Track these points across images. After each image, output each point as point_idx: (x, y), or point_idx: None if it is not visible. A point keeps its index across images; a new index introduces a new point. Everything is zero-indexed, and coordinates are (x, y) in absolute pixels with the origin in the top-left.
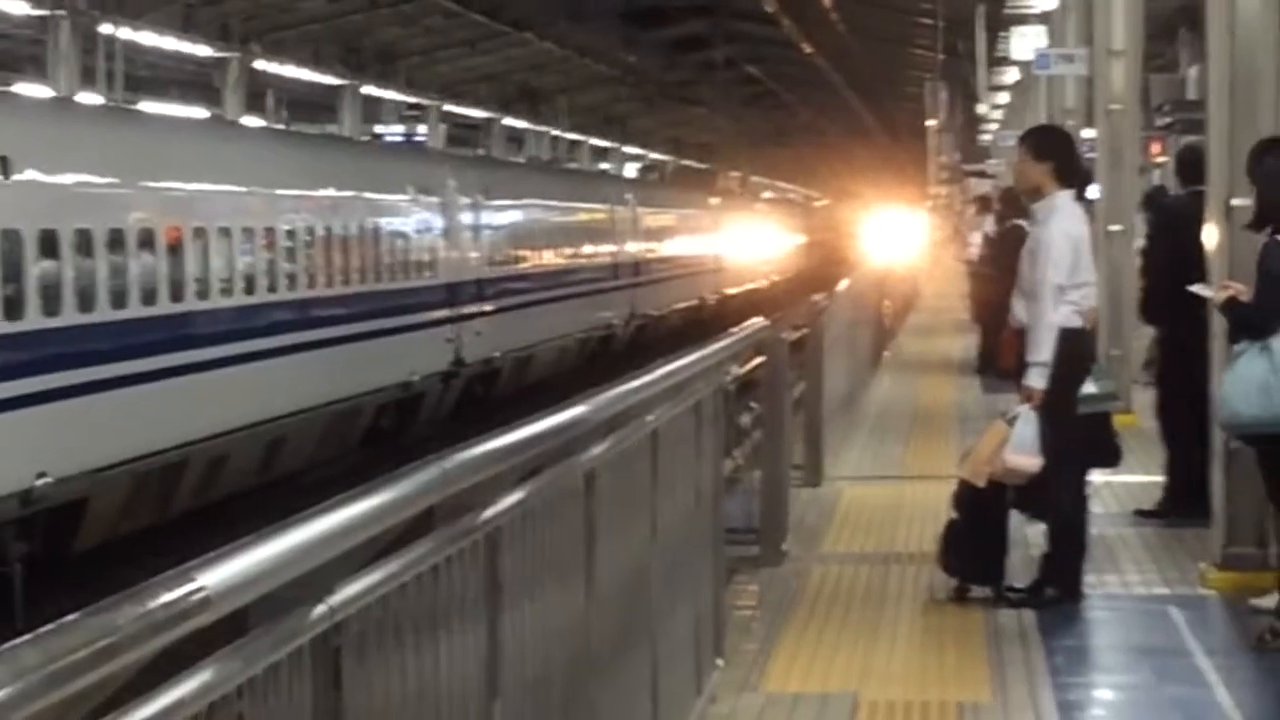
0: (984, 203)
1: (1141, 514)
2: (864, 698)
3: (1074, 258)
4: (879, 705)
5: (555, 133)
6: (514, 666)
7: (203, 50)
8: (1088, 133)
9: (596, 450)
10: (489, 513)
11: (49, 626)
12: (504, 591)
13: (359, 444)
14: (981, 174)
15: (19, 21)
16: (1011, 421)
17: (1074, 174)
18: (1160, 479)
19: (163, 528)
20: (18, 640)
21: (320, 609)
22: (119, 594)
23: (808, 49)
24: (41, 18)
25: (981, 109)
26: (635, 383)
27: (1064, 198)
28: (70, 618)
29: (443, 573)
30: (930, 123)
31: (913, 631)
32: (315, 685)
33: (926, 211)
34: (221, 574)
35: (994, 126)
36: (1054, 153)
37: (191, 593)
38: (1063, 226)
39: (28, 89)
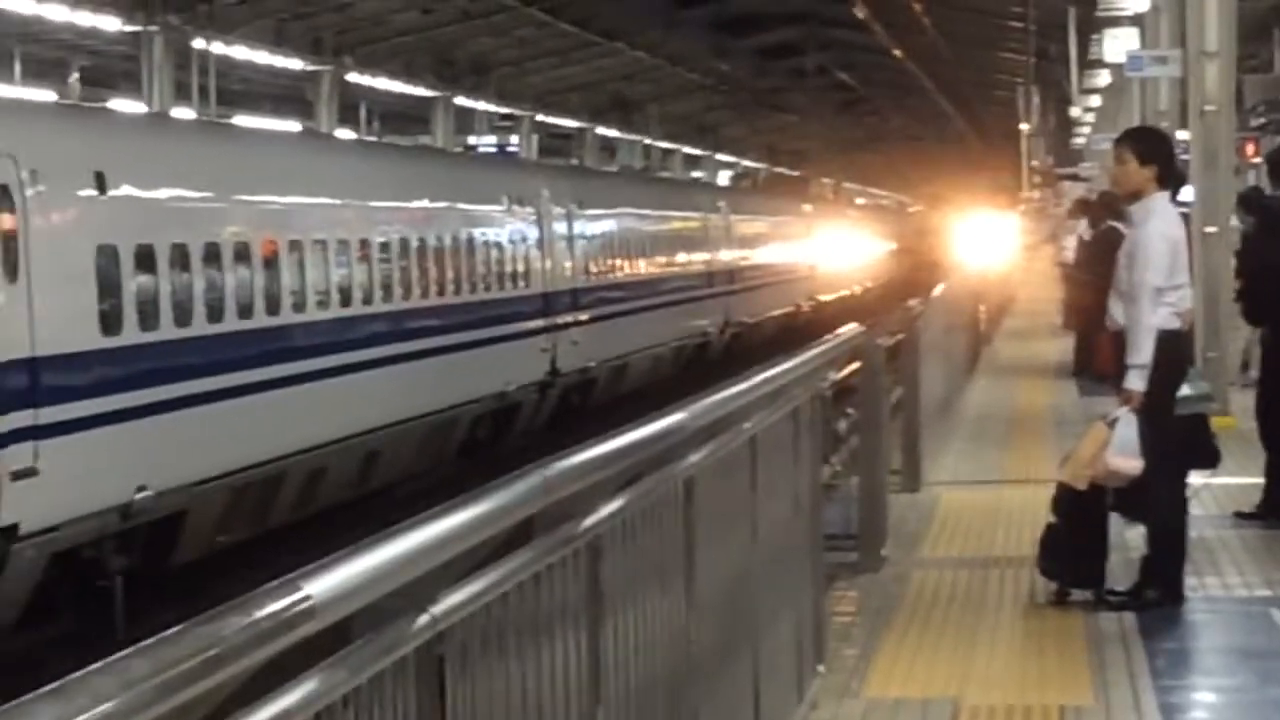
0: (1083, 206)
1: (1241, 516)
2: (965, 702)
3: (1171, 259)
4: (980, 710)
5: (647, 141)
6: (616, 674)
7: (295, 64)
8: (1181, 134)
9: (695, 457)
10: (589, 521)
11: (156, 637)
12: (605, 599)
13: (455, 455)
14: (1074, 177)
15: (113, 38)
16: (1112, 424)
17: (1172, 176)
18: (1260, 481)
19: (260, 541)
20: (126, 651)
21: (423, 618)
22: (225, 604)
23: (899, 54)
24: (135, 33)
25: (1074, 112)
26: (734, 389)
27: (1160, 200)
28: (177, 628)
29: (544, 581)
30: (1023, 127)
31: (1013, 636)
32: (419, 694)
33: (1019, 216)
34: (327, 583)
35: (1086, 130)
36: (1156, 155)
37: (297, 602)
38: (1160, 228)
39: (122, 105)
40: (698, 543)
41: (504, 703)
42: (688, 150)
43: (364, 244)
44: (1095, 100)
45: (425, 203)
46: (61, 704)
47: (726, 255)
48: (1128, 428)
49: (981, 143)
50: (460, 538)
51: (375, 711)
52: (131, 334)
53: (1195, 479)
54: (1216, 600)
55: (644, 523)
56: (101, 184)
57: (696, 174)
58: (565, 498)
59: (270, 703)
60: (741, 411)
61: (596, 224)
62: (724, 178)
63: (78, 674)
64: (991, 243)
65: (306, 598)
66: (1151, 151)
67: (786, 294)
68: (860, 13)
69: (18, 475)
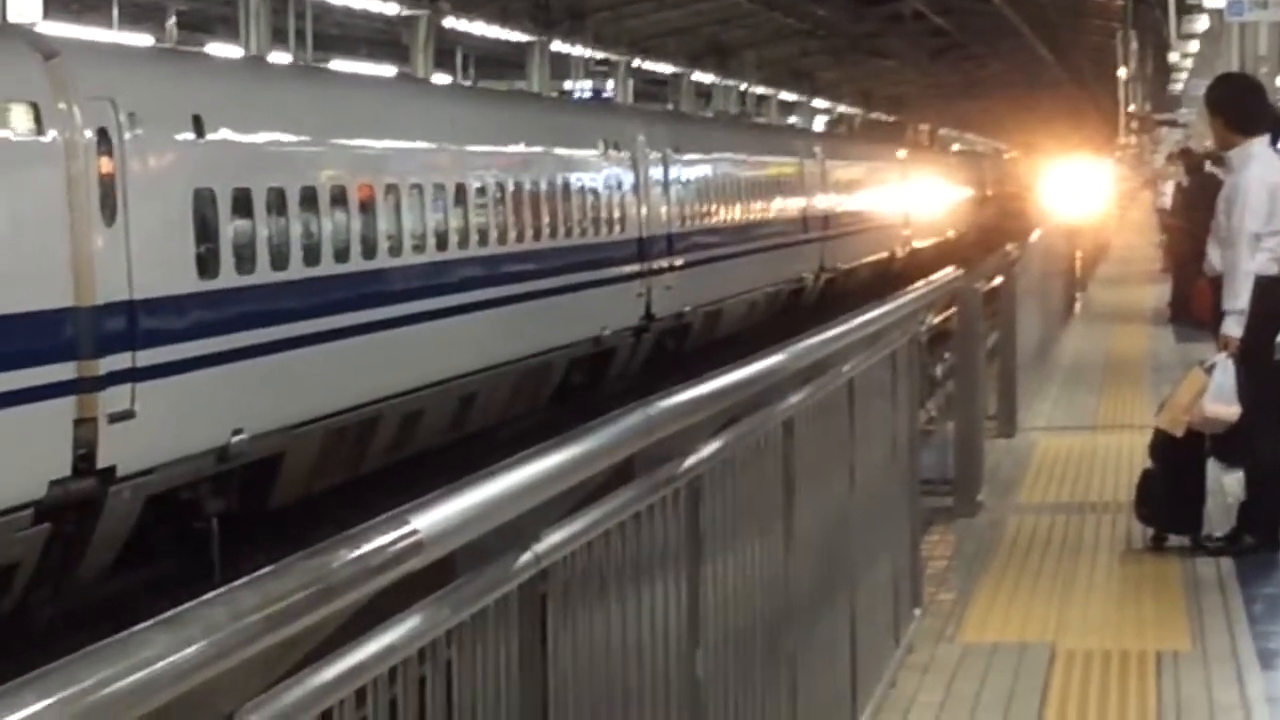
0: (1183, 154)
1: None
2: (1061, 647)
3: (1271, 205)
4: (1076, 654)
5: (743, 87)
6: (715, 616)
7: (392, 8)
8: None
9: (794, 399)
10: (689, 461)
11: (267, 569)
12: (705, 540)
13: (550, 400)
14: (1172, 123)
15: None
16: (1209, 370)
17: (1261, 121)
18: None
19: (355, 485)
20: (236, 583)
21: (526, 556)
22: (334, 538)
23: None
24: None
25: (1172, 58)
26: (832, 332)
27: (1260, 145)
28: (287, 560)
29: (644, 521)
30: (1120, 72)
31: (1109, 581)
32: (522, 632)
33: (1116, 162)
34: (433, 517)
35: (1184, 75)
36: (1222, 106)
37: (404, 536)
38: (1259, 174)
39: (219, 50)
40: (796, 485)
41: (604, 642)
42: (784, 96)
43: (460, 189)
44: (1194, 45)
45: (521, 147)
46: (173, 633)
47: (821, 201)
48: (1225, 374)
49: (1078, 88)
50: (563, 475)
51: (479, 648)
52: (228, 277)
53: None
54: None
55: (743, 465)
56: (199, 128)
57: (792, 119)
58: (666, 438)
59: (375, 638)
60: (840, 354)
61: (692, 169)
62: (819, 123)
63: (189, 604)
64: (1088, 189)
65: (414, 532)
66: (1218, 101)
67: (881, 240)
68: None
69: (115, 418)
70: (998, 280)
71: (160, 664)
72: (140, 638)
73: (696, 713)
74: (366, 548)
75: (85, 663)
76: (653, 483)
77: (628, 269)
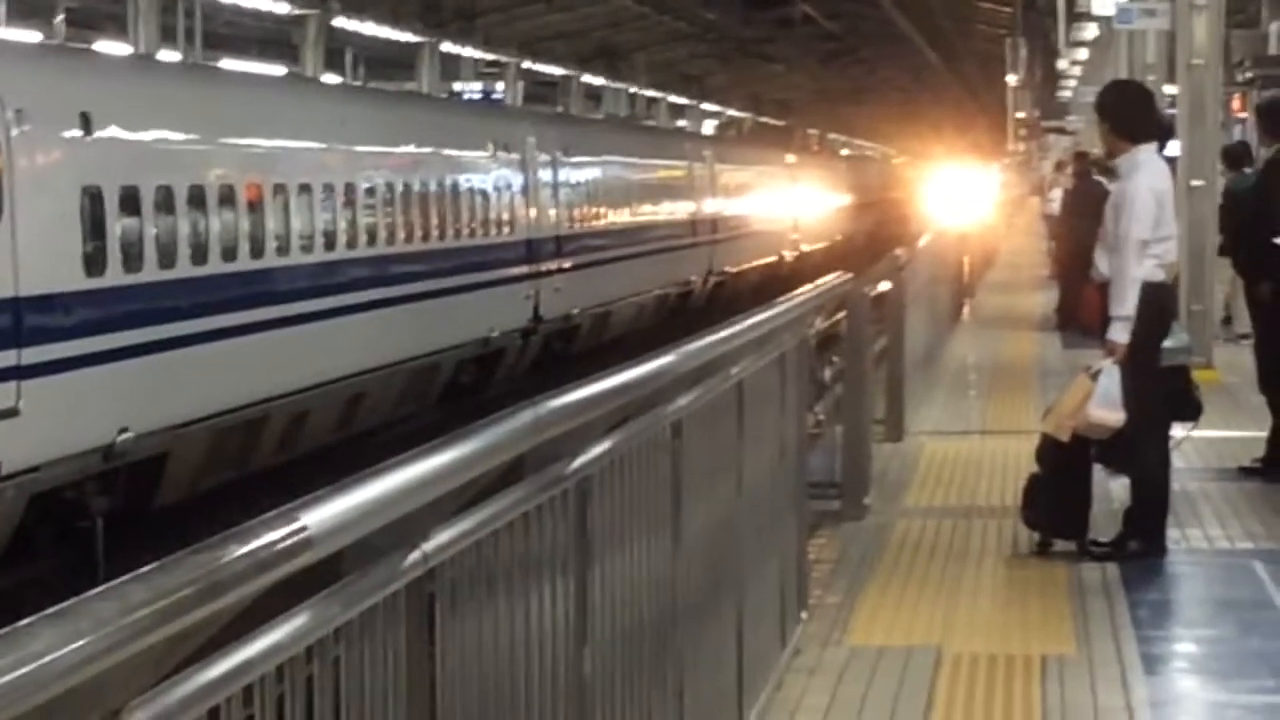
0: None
1: (1245, 470)
2: (948, 651)
3: (1158, 212)
4: (963, 658)
5: (633, 90)
6: (603, 616)
7: (282, 7)
8: (1169, 88)
9: (683, 401)
10: (578, 462)
11: (155, 564)
12: (593, 541)
13: (438, 400)
14: (1060, 130)
15: None
16: (1095, 376)
17: (1149, 128)
18: (1248, 434)
19: (242, 484)
20: (126, 577)
21: (414, 555)
22: (223, 533)
23: (885, 3)
24: None
25: (1061, 65)
26: (722, 333)
27: (1147, 152)
28: (176, 556)
29: (533, 521)
30: (1010, 79)
31: (996, 585)
32: (410, 631)
33: (1004, 168)
34: (323, 514)
35: (1073, 83)
36: (1112, 112)
37: (295, 532)
38: (1146, 181)
39: (108, 47)
40: (684, 487)
41: (493, 641)
42: (673, 99)
43: (348, 188)
44: (1083, 53)
45: (410, 148)
46: (62, 626)
47: (711, 204)
48: (1110, 379)
49: (967, 95)
50: (453, 473)
51: (366, 647)
52: (115, 275)
53: (1178, 431)
54: (1199, 552)
55: (632, 466)
56: (87, 125)
57: (681, 123)
58: (555, 438)
59: (262, 636)
60: (729, 356)
61: (581, 171)
62: (709, 127)
63: (77, 598)
64: (977, 195)
65: (303, 528)
66: (1107, 107)
67: (769, 244)
68: None
69: None
70: (886, 285)
71: (48, 658)
72: (28, 631)
73: (583, 712)
74: (255, 543)
75: None
76: (542, 482)
77: (516, 270)
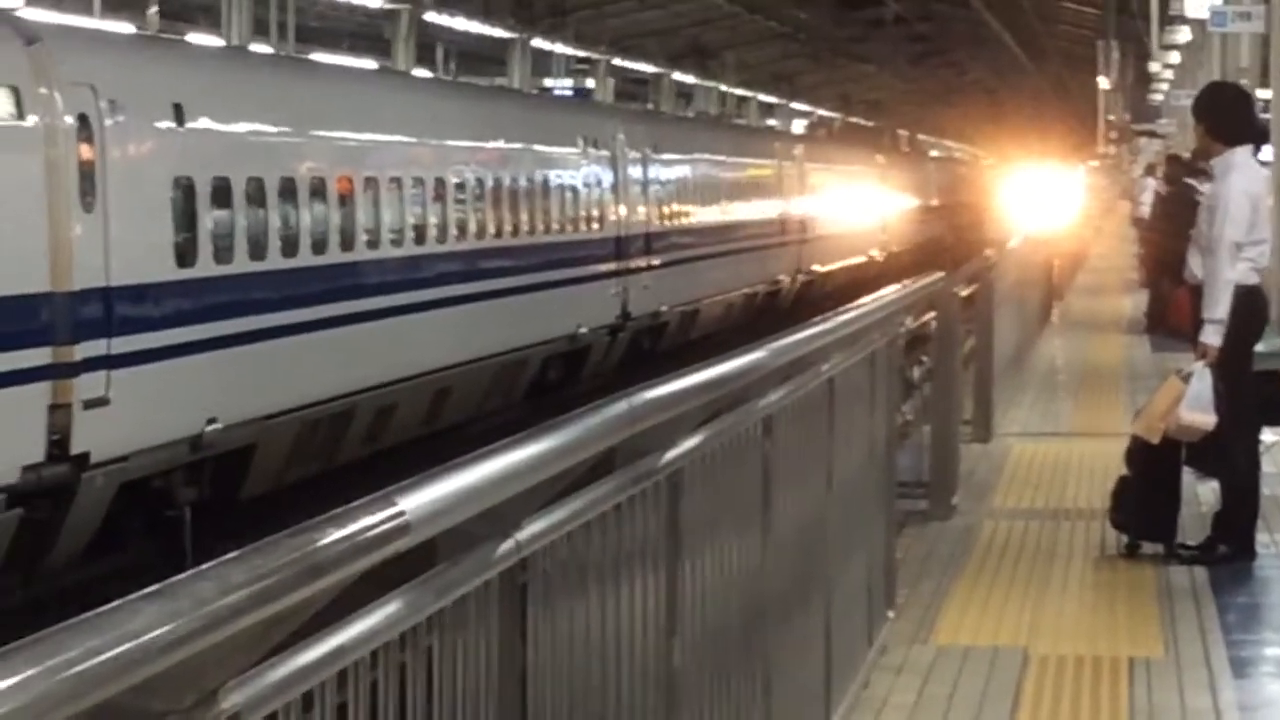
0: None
1: None
2: (1034, 652)
3: (1252, 215)
4: (1049, 659)
5: (723, 88)
6: (692, 608)
7: (374, 2)
8: (1263, 93)
9: (774, 397)
10: (670, 455)
11: (255, 545)
12: (683, 534)
13: (524, 396)
14: (1151, 134)
15: None
16: (1186, 378)
17: (1246, 130)
18: None
19: (328, 476)
20: (226, 557)
21: (508, 544)
22: (321, 517)
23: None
24: None
25: (1153, 67)
26: (813, 330)
27: (1243, 154)
28: (275, 537)
29: (624, 514)
30: (1101, 81)
31: (1083, 587)
32: (502, 621)
33: (1094, 171)
34: (420, 499)
35: (1165, 85)
36: (1209, 113)
37: (392, 516)
38: (1241, 183)
39: (200, 39)
40: (774, 482)
41: (584, 632)
42: (763, 98)
43: (439, 183)
44: (1175, 57)
45: (500, 143)
46: (163, 604)
47: (800, 203)
48: (1202, 383)
49: (1058, 97)
50: (547, 463)
51: (459, 635)
52: (206, 266)
53: (1269, 435)
54: None
55: (723, 460)
56: (179, 116)
57: (771, 122)
58: (647, 431)
59: (357, 621)
60: (820, 353)
61: (671, 169)
62: (798, 126)
63: (178, 577)
64: (1066, 197)
65: (400, 513)
66: (1203, 108)
67: (858, 244)
68: None
69: (90, 404)
70: (976, 285)
71: (148, 636)
72: (130, 609)
73: (672, 705)
74: (353, 527)
75: (74, 632)
76: (633, 475)
77: (605, 267)
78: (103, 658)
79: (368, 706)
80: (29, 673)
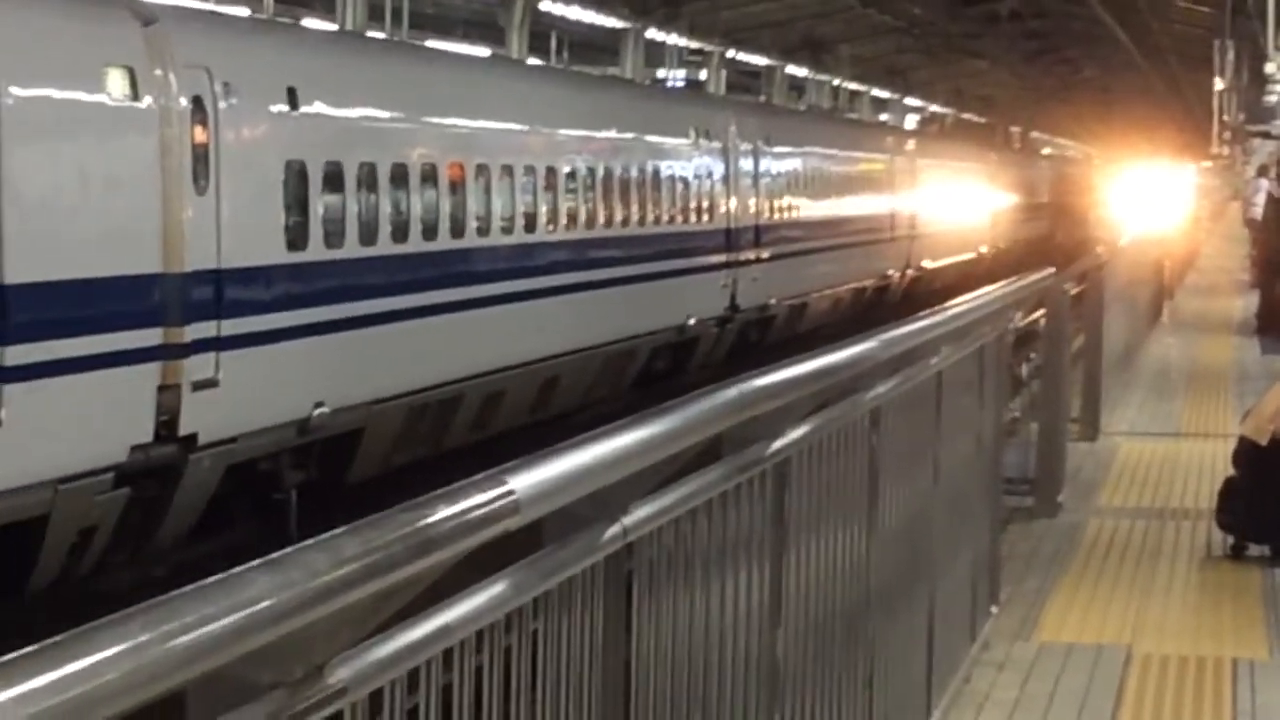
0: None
1: None
2: (1138, 651)
3: None
4: (1153, 659)
5: (836, 82)
6: (797, 599)
7: None
8: None
9: (882, 389)
10: (777, 444)
11: (367, 519)
12: (789, 524)
13: (632, 386)
14: (1266, 135)
15: None
16: None
17: None
18: None
19: (434, 463)
20: (338, 530)
21: (614, 528)
22: (432, 493)
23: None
24: None
25: (1269, 68)
26: (922, 322)
27: None
28: (387, 512)
29: (730, 502)
30: (1216, 81)
31: (1188, 587)
32: (607, 606)
33: (1206, 171)
34: (529, 479)
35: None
36: None
37: (502, 495)
38: None
39: (314, 24)
40: (881, 474)
41: (687, 620)
42: (876, 93)
43: (550, 172)
44: None
45: (612, 133)
46: (277, 574)
47: (910, 199)
48: None
49: (1172, 95)
50: (655, 447)
51: (564, 620)
52: (316, 251)
53: None
54: None
55: (829, 451)
56: (293, 100)
57: (884, 117)
58: (755, 418)
59: (464, 600)
60: (929, 346)
61: (782, 162)
62: (911, 121)
63: (291, 548)
64: (1178, 197)
65: (510, 492)
66: None
67: (968, 240)
68: None
69: (199, 385)
70: (1085, 284)
71: (260, 605)
72: (244, 578)
73: (774, 694)
74: (464, 504)
75: (189, 599)
76: (740, 463)
77: (714, 259)
78: (214, 626)
79: (472, 688)
80: (143, 637)
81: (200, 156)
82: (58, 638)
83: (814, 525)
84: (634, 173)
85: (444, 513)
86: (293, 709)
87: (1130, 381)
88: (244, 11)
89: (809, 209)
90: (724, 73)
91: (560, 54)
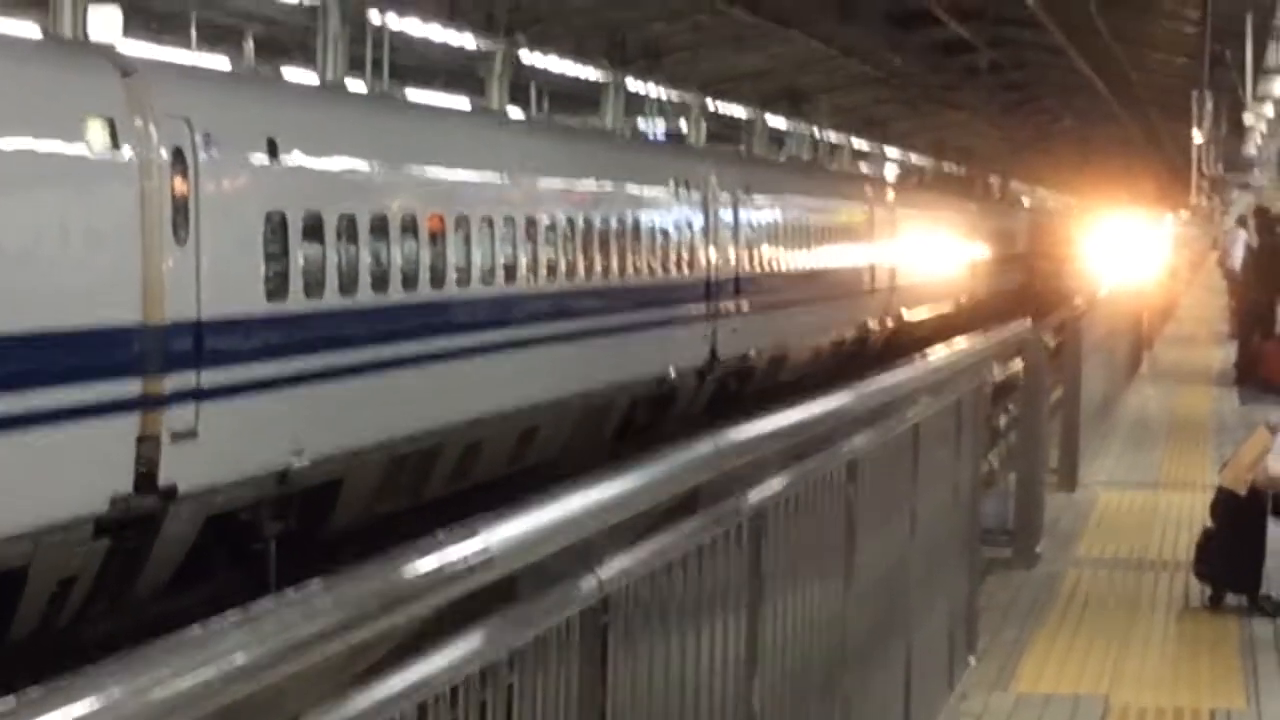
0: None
1: None
2: (1115, 701)
3: None
4: (1130, 709)
5: (816, 133)
6: (773, 651)
7: (469, 41)
8: None
9: (859, 441)
10: (753, 497)
11: (339, 573)
12: (766, 577)
13: (611, 436)
14: (1245, 185)
15: (288, 8)
16: (1275, 430)
17: None
18: None
19: (414, 513)
20: (310, 582)
21: (590, 580)
22: (404, 545)
23: (1072, 55)
24: (311, 5)
25: (1247, 119)
26: (899, 375)
27: None
28: (359, 566)
29: (707, 554)
30: (1195, 133)
31: (1166, 638)
32: (582, 660)
33: (1184, 221)
34: (502, 533)
35: (1258, 137)
36: None
37: (474, 548)
38: None
39: (295, 75)
40: (858, 526)
41: (664, 676)
42: (856, 143)
43: (530, 223)
44: (1269, 109)
45: (592, 184)
46: (249, 629)
47: (891, 250)
48: None
49: (1150, 146)
50: (630, 500)
51: (539, 674)
52: (296, 301)
53: None
54: None
55: (806, 503)
56: (273, 151)
57: (863, 167)
58: (731, 472)
59: (438, 652)
60: (906, 399)
61: (762, 213)
62: (890, 172)
63: (264, 600)
64: (1156, 247)
65: (483, 545)
66: None
67: (948, 291)
68: (1036, 11)
69: (177, 436)
70: (1063, 335)
71: (235, 659)
72: (217, 631)
73: None
74: (436, 557)
75: (161, 652)
76: (716, 515)
77: (694, 310)
78: (188, 679)
79: None
80: (116, 692)
81: (180, 207)
82: (31, 691)
83: (791, 577)
84: (614, 223)
85: (416, 566)
86: None
87: (1109, 432)
88: (224, 63)
89: (789, 260)
90: (704, 123)
91: (540, 105)
